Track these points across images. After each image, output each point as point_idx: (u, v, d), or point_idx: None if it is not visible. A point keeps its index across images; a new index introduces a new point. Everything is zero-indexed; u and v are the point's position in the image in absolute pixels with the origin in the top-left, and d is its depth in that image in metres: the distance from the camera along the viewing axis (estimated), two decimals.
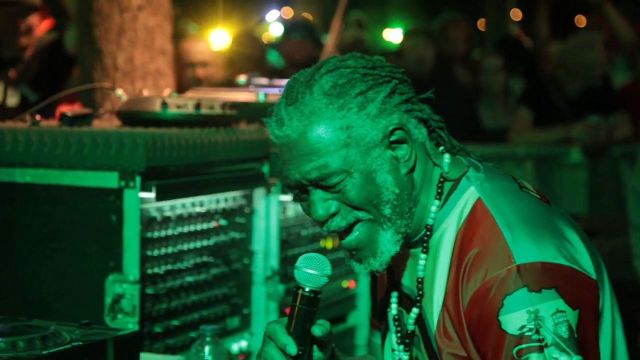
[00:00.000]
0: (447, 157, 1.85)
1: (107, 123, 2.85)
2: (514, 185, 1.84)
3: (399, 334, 1.92)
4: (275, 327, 1.77)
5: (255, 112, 2.95)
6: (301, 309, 1.77)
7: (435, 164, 1.86)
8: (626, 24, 6.48)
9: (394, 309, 1.94)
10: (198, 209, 2.70)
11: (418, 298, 1.85)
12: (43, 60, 4.91)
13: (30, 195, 2.54)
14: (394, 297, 1.94)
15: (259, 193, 2.88)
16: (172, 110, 2.68)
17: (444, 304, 1.78)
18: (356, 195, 1.77)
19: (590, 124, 5.79)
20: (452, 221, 1.82)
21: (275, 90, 3.29)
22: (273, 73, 6.50)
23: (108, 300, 2.44)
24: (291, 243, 3.01)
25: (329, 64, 1.81)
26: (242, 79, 3.42)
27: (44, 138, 2.51)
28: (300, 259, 1.79)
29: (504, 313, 1.67)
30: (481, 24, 11.02)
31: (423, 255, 1.84)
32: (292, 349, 1.73)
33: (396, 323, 1.93)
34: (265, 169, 2.88)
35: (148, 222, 2.53)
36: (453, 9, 9.38)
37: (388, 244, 1.80)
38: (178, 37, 6.54)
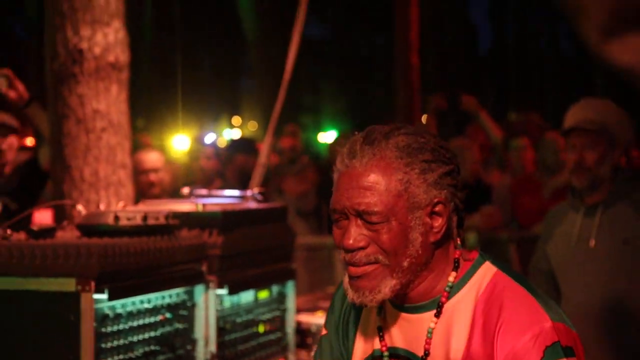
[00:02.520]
0: (459, 241, 1.80)
1: (69, 234, 2.84)
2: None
3: None
4: None
5: (195, 221, 2.97)
6: None
7: (455, 246, 1.80)
8: (495, 127, 6.69)
9: None
10: (146, 305, 2.68)
11: (423, 357, 1.75)
12: (21, 174, 4.88)
13: (1, 300, 2.51)
14: (385, 358, 1.82)
15: (199, 289, 2.87)
16: (123, 223, 2.69)
17: (467, 357, 1.70)
18: (388, 240, 1.70)
19: (485, 212, 5.92)
20: (469, 290, 1.75)
21: (214, 200, 3.31)
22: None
23: None
24: (228, 330, 2.99)
25: (408, 128, 1.77)
26: (185, 190, 3.43)
27: (13, 252, 2.50)
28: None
29: None
30: None
31: (434, 319, 1.75)
32: None
33: None
34: (204, 268, 2.88)
35: (102, 319, 2.51)
36: (373, 116, 9.54)
37: (388, 289, 1.72)
38: (140, 148, 6.56)
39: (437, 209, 1.73)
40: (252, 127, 19.34)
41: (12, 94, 4.54)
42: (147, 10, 17.14)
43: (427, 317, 1.77)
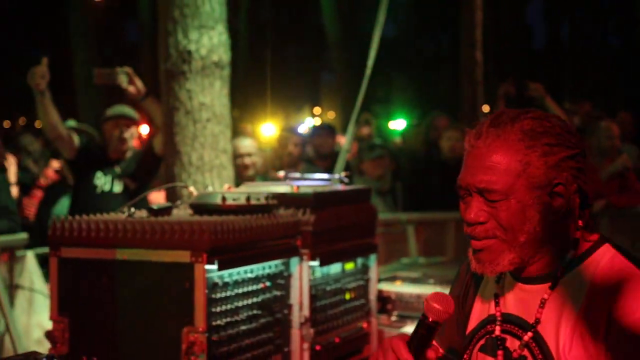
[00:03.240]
0: (581, 223, 1.69)
1: (182, 212, 2.87)
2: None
3: (501, 356, 1.71)
4: (399, 345, 1.60)
5: (290, 200, 2.96)
6: (423, 334, 1.61)
7: (576, 227, 1.69)
8: (561, 111, 6.45)
9: (497, 331, 1.72)
10: (249, 275, 2.69)
11: (535, 324, 1.67)
12: (138, 159, 4.97)
13: (127, 269, 2.56)
14: (497, 322, 1.73)
15: (294, 261, 2.86)
16: (230, 203, 2.70)
17: (575, 330, 1.62)
18: (506, 217, 1.62)
19: None
20: (585, 268, 1.66)
21: (305, 182, 3.30)
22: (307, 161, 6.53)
23: (183, 346, 2.43)
24: (319, 297, 2.98)
25: (536, 112, 1.67)
26: (280, 173, 3.43)
27: (136, 227, 2.54)
28: (432, 294, 1.63)
29: None
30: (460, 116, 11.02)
31: (548, 290, 1.67)
32: None
33: (498, 344, 1.72)
34: (298, 242, 2.87)
35: (212, 286, 2.53)
36: (438, 107, 9.41)
37: (507, 261, 1.64)
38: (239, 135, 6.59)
39: (557, 189, 1.63)
40: (331, 116, 19.32)
41: (131, 90, 4.62)
42: (242, 14, 17.24)
43: (542, 289, 1.68)
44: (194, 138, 4.39)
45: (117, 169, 4.92)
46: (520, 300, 1.71)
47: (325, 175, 3.37)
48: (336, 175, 3.31)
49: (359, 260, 3.24)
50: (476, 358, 1.76)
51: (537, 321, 1.67)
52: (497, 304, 1.74)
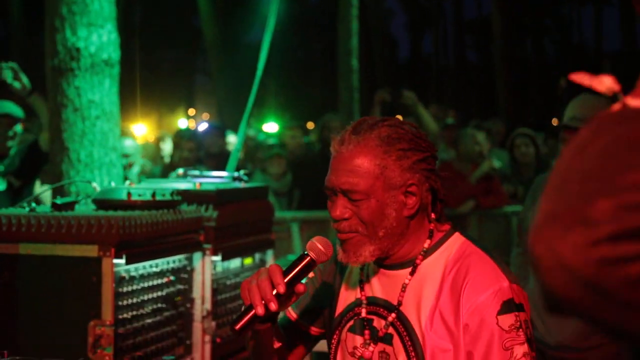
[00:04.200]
0: (433, 215, 1.85)
1: (85, 207, 2.82)
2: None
3: (367, 335, 1.85)
4: (276, 269, 1.72)
5: (193, 197, 2.97)
6: (299, 267, 1.73)
7: (429, 220, 1.85)
8: (431, 119, 6.77)
9: (363, 313, 1.87)
10: (154, 269, 2.69)
11: (398, 305, 1.81)
12: (23, 156, 4.79)
13: (30, 264, 2.49)
14: (363, 305, 1.87)
15: (197, 255, 2.89)
16: (135, 198, 2.69)
17: (435, 310, 1.76)
18: (367, 214, 1.75)
19: None
20: (440, 254, 1.81)
21: (204, 179, 3.31)
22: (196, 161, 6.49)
23: (90, 339, 2.41)
24: (220, 290, 3.02)
25: (392, 121, 1.81)
26: (180, 171, 3.42)
27: (41, 221, 2.48)
28: (317, 237, 1.77)
29: (500, 313, 1.70)
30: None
31: (409, 276, 1.81)
32: (281, 289, 1.69)
33: (365, 325, 1.86)
34: (201, 238, 2.89)
35: (119, 280, 2.51)
36: (312, 112, 9.58)
37: (368, 253, 1.78)
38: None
39: (410, 189, 1.78)
40: (205, 117, 19.18)
41: (16, 85, 4.45)
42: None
43: (403, 274, 1.83)
44: (83, 135, 4.29)
45: (0, 167, 4.71)
46: (384, 285, 1.86)
47: (224, 173, 3.39)
48: (235, 173, 3.34)
49: (257, 255, 3.29)
50: (345, 338, 1.90)
51: (400, 303, 1.81)
52: (362, 289, 1.89)
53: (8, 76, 4.43)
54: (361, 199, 1.75)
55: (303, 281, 1.77)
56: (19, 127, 4.76)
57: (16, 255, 2.48)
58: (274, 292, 1.69)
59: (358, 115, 8.89)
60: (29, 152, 4.74)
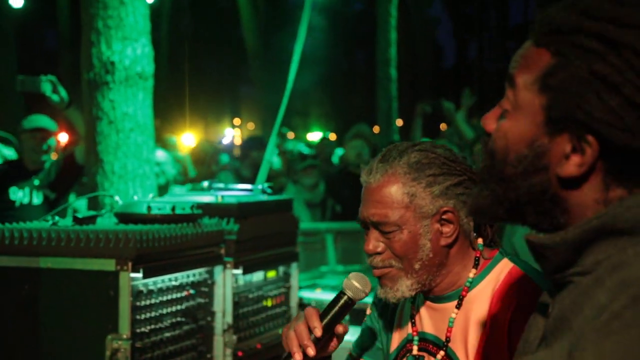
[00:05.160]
0: (480, 241, 1.72)
1: (107, 221, 2.82)
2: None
3: None
4: (312, 312, 1.64)
5: (215, 210, 2.96)
6: (337, 309, 1.65)
7: (473, 247, 1.72)
8: (469, 129, 6.65)
9: (414, 350, 1.77)
10: (173, 283, 2.67)
11: (446, 342, 1.71)
12: (59, 169, 4.84)
13: (50, 277, 2.50)
14: (415, 342, 1.77)
15: (217, 269, 2.86)
16: (155, 212, 2.67)
17: (483, 345, 1.64)
18: (399, 247, 1.66)
19: None
20: (487, 284, 1.69)
21: (228, 192, 3.29)
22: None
23: (107, 353, 2.39)
24: (241, 304, 2.98)
25: (423, 145, 1.72)
26: (205, 184, 3.41)
27: (61, 235, 2.49)
28: (353, 273, 1.68)
29: None
30: (375, 129, 11.21)
31: (456, 310, 1.70)
32: (318, 332, 1.61)
33: None
34: (222, 251, 2.87)
35: (137, 294, 2.50)
36: (354, 121, 9.53)
37: (405, 287, 1.68)
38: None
39: (446, 216, 1.67)
40: (250, 127, 19.29)
41: (55, 98, 4.50)
42: (163, 26, 17.03)
43: (450, 307, 1.73)
44: (117, 147, 4.32)
45: (36, 181, 4.78)
46: (433, 319, 1.76)
47: (248, 186, 3.37)
48: (259, 186, 3.31)
49: (281, 268, 3.25)
50: None
51: (448, 339, 1.71)
52: (413, 324, 1.79)
53: (47, 89, 4.48)
54: (392, 230, 1.66)
55: (345, 320, 1.70)
56: (52, 141, 4.82)
57: (37, 269, 2.49)
58: (312, 336, 1.62)
59: (395, 125, 8.81)
60: (64, 164, 4.79)
